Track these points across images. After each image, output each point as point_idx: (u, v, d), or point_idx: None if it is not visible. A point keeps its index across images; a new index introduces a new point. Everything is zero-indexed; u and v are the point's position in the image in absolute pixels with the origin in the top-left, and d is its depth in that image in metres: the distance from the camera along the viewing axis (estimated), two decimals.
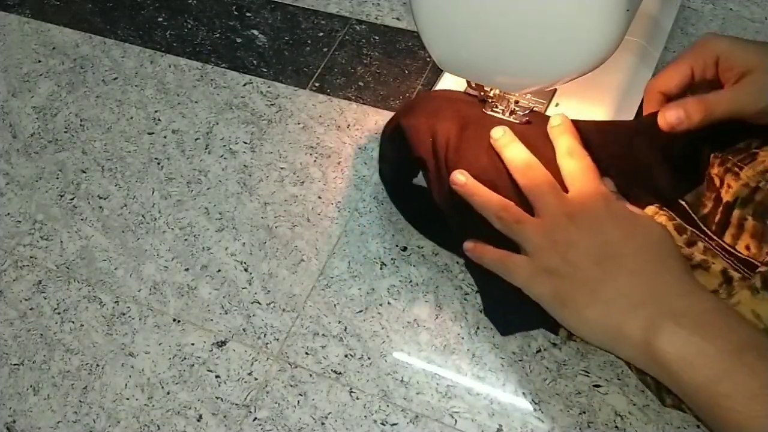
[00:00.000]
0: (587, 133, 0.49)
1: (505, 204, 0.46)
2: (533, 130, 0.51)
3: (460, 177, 0.47)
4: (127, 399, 0.49)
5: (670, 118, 0.44)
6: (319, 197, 0.56)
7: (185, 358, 0.50)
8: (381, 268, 0.52)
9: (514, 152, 0.48)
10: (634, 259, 0.41)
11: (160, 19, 0.71)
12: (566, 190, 0.46)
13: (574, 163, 0.46)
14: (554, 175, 0.47)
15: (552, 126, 0.49)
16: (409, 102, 0.54)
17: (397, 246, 0.53)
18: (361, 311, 0.50)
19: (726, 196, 0.45)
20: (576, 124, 0.49)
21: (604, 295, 0.40)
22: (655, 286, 0.40)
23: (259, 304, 0.52)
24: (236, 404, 0.48)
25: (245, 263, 0.54)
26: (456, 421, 0.45)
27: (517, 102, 0.51)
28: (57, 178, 0.61)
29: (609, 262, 0.41)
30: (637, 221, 0.44)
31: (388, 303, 0.50)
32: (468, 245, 0.47)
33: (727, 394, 0.35)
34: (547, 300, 0.43)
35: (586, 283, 0.41)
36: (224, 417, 0.47)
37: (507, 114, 0.51)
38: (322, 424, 0.46)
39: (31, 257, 0.56)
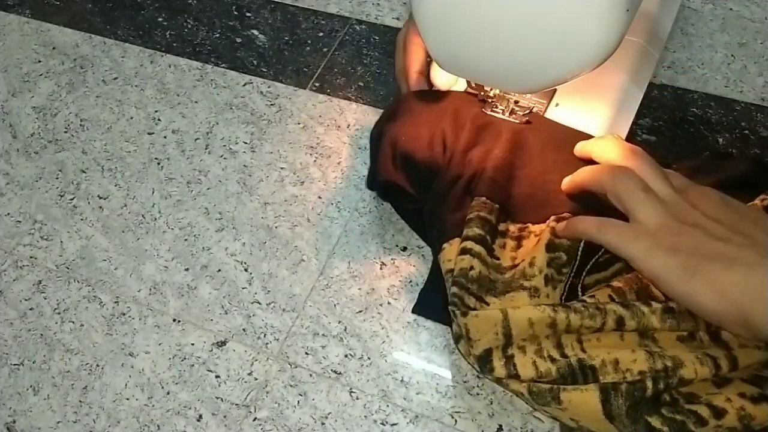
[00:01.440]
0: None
1: (623, 170, 0.44)
2: (533, 130, 0.51)
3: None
4: (127, 399, 0.49)
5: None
6: (319, 197, 0.56)
7: (185, 358, 0.50)
8: (381, 268, 0.52)
9: (605, 144, 0.47)
10: (764, 235, 0.40)
11: (160, 19, 0.71)
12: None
13: (668, 171, 0.46)
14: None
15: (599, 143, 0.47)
16: (396, 111, 0.52)
17: (397, 246, 0.53)
18: (361, 311, 0.50)
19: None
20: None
21: (743, 261, 0.39)
22: None
23: (259, 304, 0.52)
24: (236, 404, 0.48)
25: (245, 263, 0.54)
26: (456, 421, 0.45)
27: (517, 102, 0.51)
28: (57, 178, 0.61)
29: (737, 237, 0.40)
30: (754, 209, 0.44)
31: (388, 303, 0.50)
32: (558, 225, 0.45)
33: None
34: (671, 271, 0.40)
35: (719, 253, 0.40)
36: (224, 417, 0.47)
37: (507, 114, 0.51)
38: (322, 424, 0.46)
39: (31, 257, 0.56)
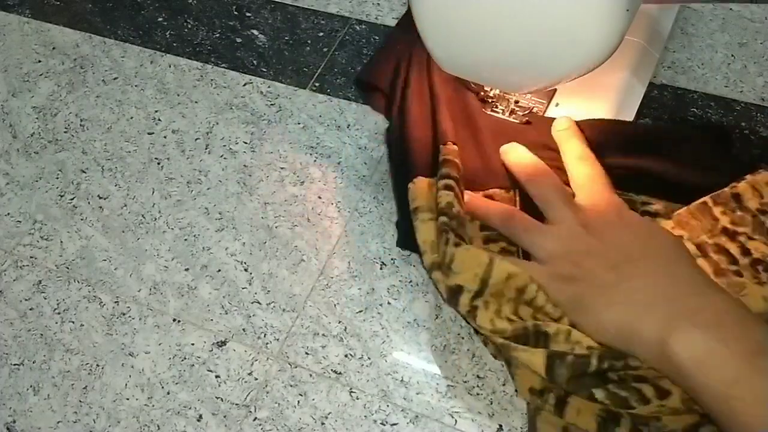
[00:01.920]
0: (589, 134, 0.49)
1: (511, 212, 0.46)
2: (533, 130, 0.51)
3: (473, 197, 0.48)
4: (127, 399, 0.49)
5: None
6: (319, 197, 0.56)
7: (185, 358, 0.50)
8: (381, 268, 0.52)
9: (519, 157, 0.48)
10: (649, 263, 0.41)
11: (160, 19, 0.71)
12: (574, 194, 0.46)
13: (586, 170, 0.46)
14: (559, 177, 0.47)
15: (558, 129, 0.49)
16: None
17: (397, 246, 0.53)
18: (361, 311, 0.50)
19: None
20: (578, 125, 0.49)
21: (620, 298, 0.41)
22: (670, 288, 0.40)
23: (259, 304, 0.52)
24: (236, 404, 0.48)
25: (245, 263, 0.54)
26: (456, 421, 0.45)
27: (517, 102, 0.51)
28: (57, 178, 0.61)
29: (625, 266, 0.42)
30: (650, 228, 0.44)
31: (388, 303, 0.50)
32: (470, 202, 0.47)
33: (740, 397, 0.35)
34: (565, 306, 0.43)
35: (602, 287, 0.41)
36: (224, 417, 0.47)
37: (507, 114, 0.51)
38: (322, 424, 0.46)
39: (31, 257, 0.56)
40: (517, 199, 0.49)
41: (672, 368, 0.38)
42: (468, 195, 0.48)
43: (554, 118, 0.51)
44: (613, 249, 0.43)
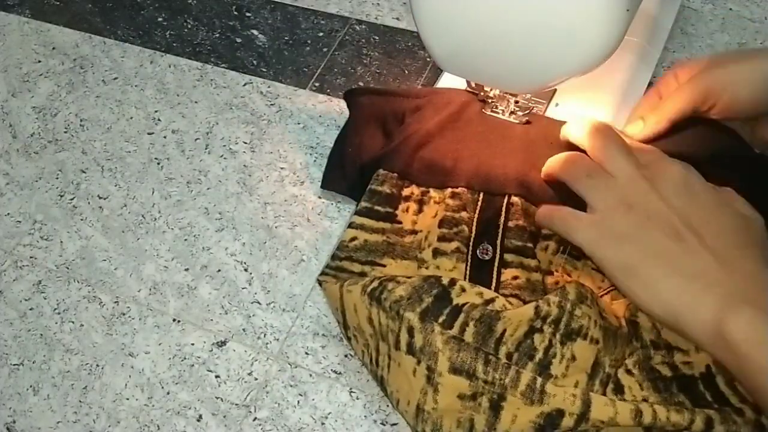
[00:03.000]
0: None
1: (574, 156, 0.44)
2: (533, 130, 0.51)
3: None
4: (127, 399, 0.49)
5: (629, 130, 0.46)
6: (319, 197, 0.56)
7: (185, 358, 0.50)
8: None
9: (572, 125, 0.46)
10: (717, 240, 0.39)
11: (160, 19, 0.71)
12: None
13: (644, 145, 0.45)
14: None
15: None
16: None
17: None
18: None
19: None
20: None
21: (682, 271, 0.39)
22: (734, 270, 0.38)
23: (259, 304, 0.52)
24: (236, 404, 0.48)
25: (245, 263, 0.54)
26: None
27: (517, 102, 0.51)
28: (57, 178, 0.61)
29: (688, 236, 0.39)
30: (721, 199, 0.41)
31: None
32: (541, 210, 0.45)
33: None
34: (613, 265, 0.40)
35: (663, 254, 0.39)
36: (224, 417, 0.47)
37: (507, 114, 0.51)
38: (322, 424, 0.46)
39: (31, 257, 0.56)
40: (479, 200, 0.48)
41: (725, 348, 0.37)
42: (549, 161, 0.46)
43: (553, 119, 0.51)
44: (677, 216, 0.40)
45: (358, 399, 0.47)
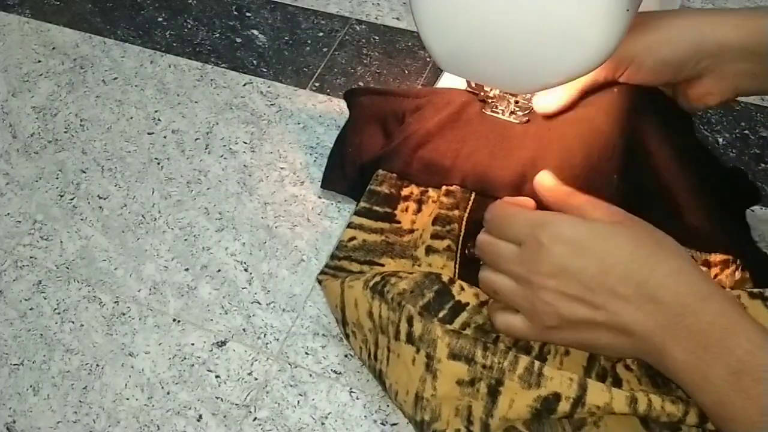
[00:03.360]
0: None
1: (481, 286, 0.44)
2: (533, 130, 0.51)
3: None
4: (127, 399, 0.49)
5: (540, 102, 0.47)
6: (319, 197, 0.56)
7: (185, 358, 0.50)
8: None
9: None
10: (619, 284, 0.38)
11: (160, 19, 0.71)
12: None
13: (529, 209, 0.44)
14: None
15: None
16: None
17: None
18: None
19: None
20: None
21: (613, 329, 0.38)
22: (654, 305, 0.37)
23: (259, 304, 0.52)
24: (236, 404, 0.48)
25: (245, 263, 0.54)
26: None
27: (517, 102, 0.51)
28: (57, 178, 0.61)
29: (594, 297, 0.38)
30: (606, 244, 0.39)
31: None
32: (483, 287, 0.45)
33: (731, 419, 0.35)
34: (575, 346, 0.42)
35: (591, 324, 0.39)
36: (224, 417, 0.47)
37: (507, 114, 0.51)
38: (322, 424, 0.46)
39: (31, 257, 0.56)
40: (471, 200, 0.48)
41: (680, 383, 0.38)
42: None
43: (554, 119, 0.51)
44: (573, 284, 0.39)
45: (358, 399, 0.47)
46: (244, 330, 0.51)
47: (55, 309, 0.53)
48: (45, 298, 0.54)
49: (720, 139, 0.55)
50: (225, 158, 0.60)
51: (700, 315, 0.37)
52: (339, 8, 0.68)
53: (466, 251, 0.47)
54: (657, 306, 0.37)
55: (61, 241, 0.57)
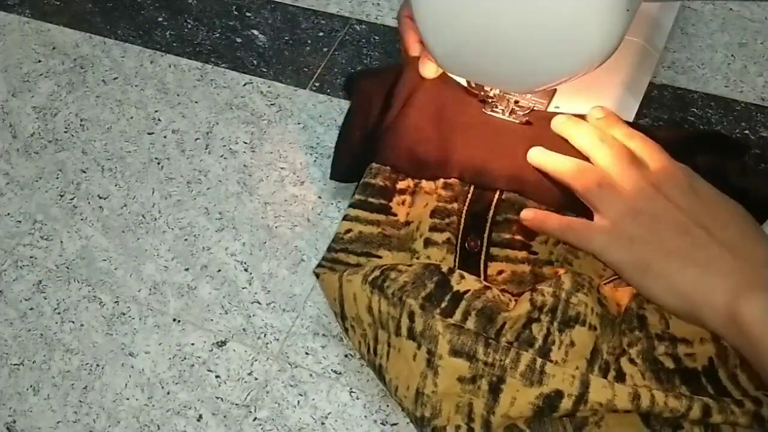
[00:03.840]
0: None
1: (585, 166, 0.45)
2: (533, 130, 0.51)
3: (535, 150, 0.47)
4: (127, 399, 0.49)
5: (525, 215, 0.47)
6: (319, 197, 0.56)
7: (185, 358, 0.50)
8: None
9: (577, 130, 0.47)
10: (724, 233, 0.41)
11: (160, 19, 0.71)
12: None
13: (644, 143, 0.46)
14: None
15: (597, 118, 0.48)
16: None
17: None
18: None
19: None
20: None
21: (694, 262, 0.40)
22: (744, 257, 0.40)
23: (259, 304, 0.52)
24: (236, 404, 0.48)
25: (245, 263, 0.54)
26: None
27: (517, 102, 0.51)
28: (57, 178, 0.61)
29: (699, 231, 0.41)
30: (722, 198, 0.43)
31: None
32: (526, 214, 0.46)
33: None
34: (627, 266, 0.42)
35: (675, 250, 0.41)
36: (224, 417, 0.47)
37: (507, 114, 0.51)
38: (322, 424, 0.46)
39: (31, 257, 0.56)
40: (470, 193, 0.48)
41: (738, 333, 0.38)
42: (546, 154, 0.47)
43: (555, 114, 0.51)
44: (687, 213, 0.42)
45: (358, 399, 0.47)
46: (244, 330, 0.51)
47: (55, 309, 0.53)
48: (45, 298, 0.54)
49: None
50: (225, 158, 0.60)
51: None
52: (339, 8, 0.68)
53: (466, 244, 0.47)
54: (750, 257, 0.40)
55: (61, 241, 0.57)
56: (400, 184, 0.50)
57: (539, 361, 0.39)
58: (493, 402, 0.39)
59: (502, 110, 0.51)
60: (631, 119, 0.53)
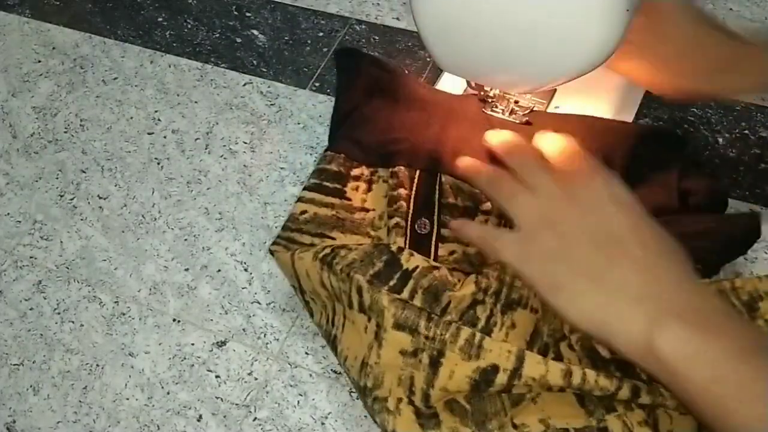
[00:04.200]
0: (581, 134, 0.48)
1: (500, 174, 0.43)
2: (533, 130, 0.51)
3: (463, 159, 0.45)
4: (127, 399, 0.49)
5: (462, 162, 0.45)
6: None
7: (185, 358, 0.50)
8: None
9: (499, 136, 0.45)
10: (638, 249, 0.39)
11: (160, 19, 0.71)
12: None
13: (569, 144, 0.43)
14: None
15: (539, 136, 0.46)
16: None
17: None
18: None
19: None
20: (569, 121, 0.49)
21: (606, 285, 0.38)
22: (659, 280, 0.38)
23: (259, 304, 0.52)
24: (236, 404, 0.48)
25: (245, 263, 0.54)
26: None
27: (517, 102, 0.51)
28: (57, 178, 0.61)
29: (611, 247, 0.39)
30: (640, 211, 0.41)
31: None
32: (454, 224, 0.45)
33: (729, 395, 0.34)
34: (539, 283, 0.39)
35: (585, 268, 0.39)
36: (224, 417, 0.47)
37: (507, 114, 0.51)
38: (322, 424, 0.46)
39: (31, 257, 0.56)
40: (416, 178, 0.49)
41: (657, 364, 0.36)
42: (464, 158, 0.46)
43: (556, 114, 0.51)
44: (600, 224, 0.39)
45: (358, 399, 0.47)
46: (244, 330, 0.51)
47: (55, 309, 0.53)
48: (45, 298, 0.54)
49: (720, 139, 0.55)
50: (225, 158, 0.60)
51: (703, 298, 0.37)
52: (339, 8, 0.68)
53: (417, 227, 0.47)
54: (665, 278, 0.38)
55: (61, 241, 0.57)
56: (355, 171, 0.51)
57: (478, 335, 0.40)
58: (432, 375, 0.40)
59: (502, 110, 0.51)
60: (631, 119, 0.53)
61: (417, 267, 0.43)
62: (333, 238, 0.48)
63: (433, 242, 0.47)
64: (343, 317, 0.45)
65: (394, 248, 0.45)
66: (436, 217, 0.48)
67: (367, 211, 0.50)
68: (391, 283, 0.43)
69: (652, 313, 0.37)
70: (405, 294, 0.42)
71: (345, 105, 0.55)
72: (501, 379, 0.39)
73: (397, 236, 0.47)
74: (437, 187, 0.49)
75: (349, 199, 0.50)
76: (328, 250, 0.45)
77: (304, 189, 0.51)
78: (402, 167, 0.50)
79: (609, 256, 0.39)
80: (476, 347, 0.40)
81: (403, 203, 0.48)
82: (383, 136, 0.51)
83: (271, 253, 0.49)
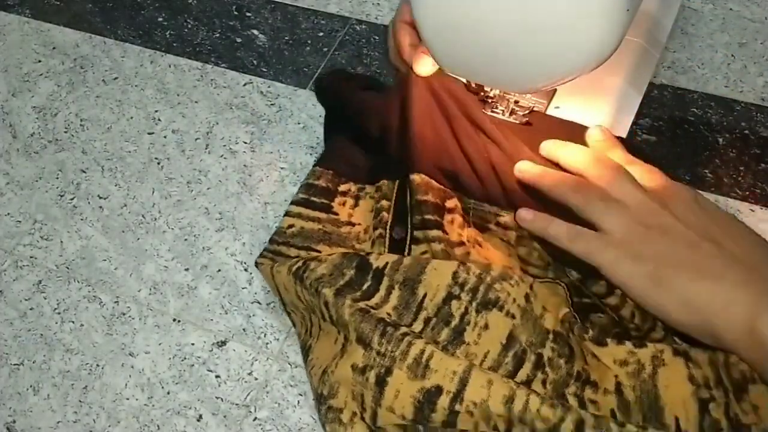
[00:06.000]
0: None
1: (584, 181, 0.44)
2: (534, 131, 0.51)
3: (525, 164, 0.46)
4: (127, 399, 0.49)
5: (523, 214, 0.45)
6: None
7: (185, 358, 0.50)
8: None
9: (571, 151, 0.46)
10: (734, 247, 0.40)
11: (160, 19, 0.71)
12: None
13: (644, 168, 0.45)
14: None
15: (595, 140, 0.47)
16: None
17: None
18: None
19: None
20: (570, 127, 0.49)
21: (708, 275, 0.39)
22: (758, 269, 0.39)
23: (259, 304, 0.52)
24: (236, 404, 0.48)
25: (245, 263, 0.54)
26: None
27: (517, 102, 0.51)
28: (57, 178, 0.61)
29: (709, 245, 0.40)
30: (728, 214, 0.43)
31: None
32: (526, 214, 0.45)
33: None
34: (638, 280, 0.40)
35: (686, 263, 0.40)
36: (224, 417, 0.47)
37: (507, 114, 0.51)
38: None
39: (31, 257, 0.56)
40: (395, 188, 0.49)
41: (756, 346, 0.37)
42: (539, 169, 0.46)
43: (555, 117, 0.51)
44: (695, 228, 0.41)
45: None
46: (244, 330, 0.51)
47: (55, 309, 0.53)
48: (45, 298, 0.54)
49: (720, 139, 0.55)
50: (225, 158, 0.60)
51: None
52: (339, 8, 0.68)
53: (394, 234, 0.48)
54: (763, 267, 0.39)
55: (61, 241, 0.57)
56: (342, 187, 0.51)
57: (427, 353, 0.40)
58: (379, 395, 0.40)
59: (502, 110, 0.51)
60: (630, 119, 0.53)
61: (387, 263, 0.44)
62: (319, 251, 0.48)
63: (407, 245, 0.47)
64: (318, 328, 0.45)
65: (362, 252, 0.45)
66: (409, 221, 0.47)
67: (354, 225, 0.50)
68: (365, 286, 0.43)
69: (754, 296, 0.38)
70: (382, 292, 0.43)
71: (335, 125, 0.55)
72: (443, 401, 0.39)
73: (380, 246, 0.47)
74: (407, 188, 0.48)
75: (336, 214, 0.50)
76: (300, 263, 0.45)
77: (292, 203, 0.51)
78: (385, 181, 0.50)
79: (708, 252, 0.40)
80: (423, 366, 0.40)
81: (385, 213, 0.48)
82: (363, 152, 0.52)
83: (257, 265, 0.49)
